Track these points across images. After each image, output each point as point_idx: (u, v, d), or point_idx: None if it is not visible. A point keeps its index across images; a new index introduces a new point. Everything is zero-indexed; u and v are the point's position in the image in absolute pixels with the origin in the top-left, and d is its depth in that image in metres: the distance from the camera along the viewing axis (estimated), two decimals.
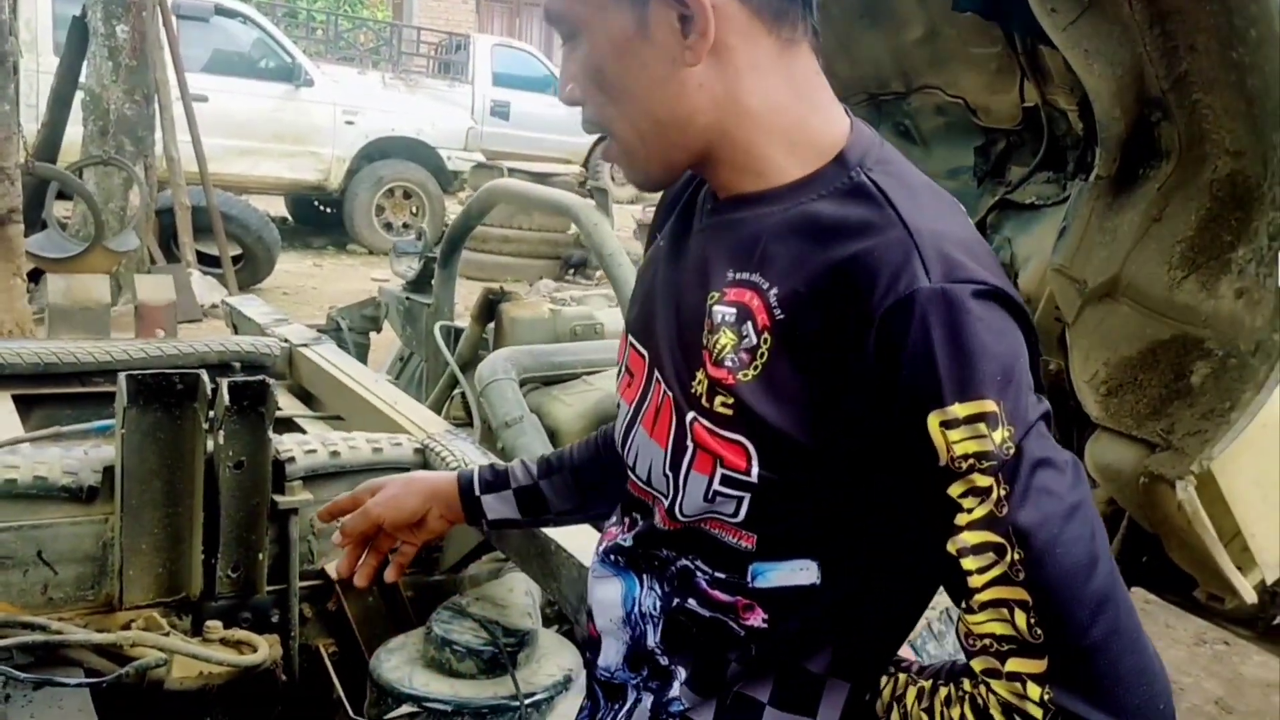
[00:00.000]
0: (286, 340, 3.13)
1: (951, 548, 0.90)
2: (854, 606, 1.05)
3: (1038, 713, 0.87)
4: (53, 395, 2.81)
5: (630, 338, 1.20)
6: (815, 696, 1.07)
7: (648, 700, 1.15)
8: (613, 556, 1.21)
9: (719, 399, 1.00)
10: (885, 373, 0.90)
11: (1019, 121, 2.47)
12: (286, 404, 2.93)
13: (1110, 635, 0.86)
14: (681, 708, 1.12)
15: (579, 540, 1.91)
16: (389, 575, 1.64)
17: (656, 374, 1.11)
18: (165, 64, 7.66)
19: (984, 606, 0.89)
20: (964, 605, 0.92)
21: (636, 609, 1.15)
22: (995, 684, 0.90)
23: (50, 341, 2.84)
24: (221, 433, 2.04)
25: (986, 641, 0.90)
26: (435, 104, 13.36)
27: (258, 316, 3.32)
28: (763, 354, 0.98)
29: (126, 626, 2.02)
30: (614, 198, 16.27)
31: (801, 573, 1.03)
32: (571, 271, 10.28)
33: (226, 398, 2.02)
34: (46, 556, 1.99)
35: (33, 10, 8.94)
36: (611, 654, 1.20)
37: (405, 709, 1.90)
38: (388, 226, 11.74)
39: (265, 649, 1.99)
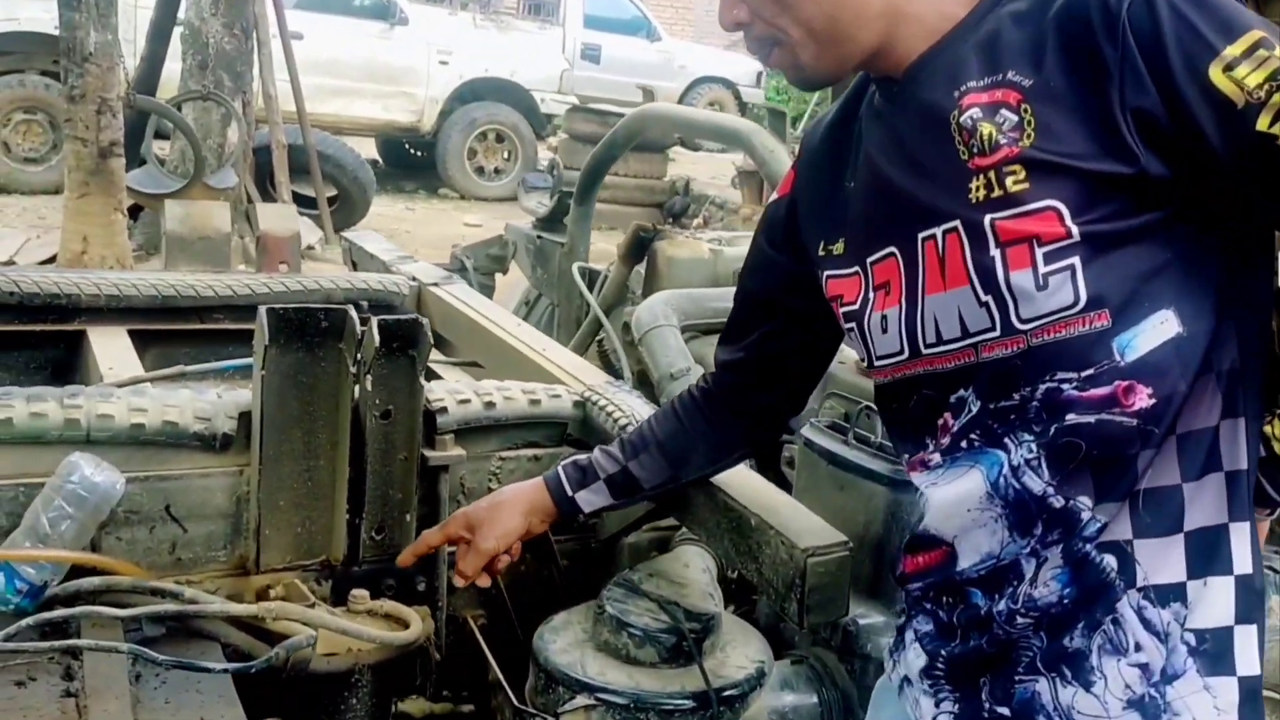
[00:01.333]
0: (414, 279, 2.89)
1: None
2: (1224, 342, 1.07)
3: None
4: (170, 331, 2.60)
5: (847, 269, 1.24)
6: (1215, 452, 1.09)
7: (1056, 552, 1.11)
8: (942, 457, 1.17)
9: (1009, 179, 1.04)
10: (1153, 59, 0.98)
11: None
12: None
13: None
14: (1098, 526, 1.09)
15: (786, 514, 1.63)
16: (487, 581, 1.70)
17: (920, 243, 1.13)
18: None
19: None
20: None
21: (1004, 476, 1.11)
22: None
23: (168, 273, 2.63)
24: (369, 378, 1.79)
25: None
26: (527, 46, 13.04)
27: (381, 253, 3.08)
28: (1029, 120, 1.03)
29: (263, 593, 1.79)
30: (705, 145, 15.86)
31: (1163, 325, 1.04)
32: (670, 220, 9.95)
33: (377, 338, 1.76)
34: (175, 512, 1.77)
35: None
36: (983, 543, 1.15)
37: (581, 700, 1.64)
38: (479, 171, 11.52)
39: (418, 624, 1.74)
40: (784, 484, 2.10)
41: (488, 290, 3.99)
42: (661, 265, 2.67)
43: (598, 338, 2.92)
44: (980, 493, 1.13)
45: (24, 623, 1.47)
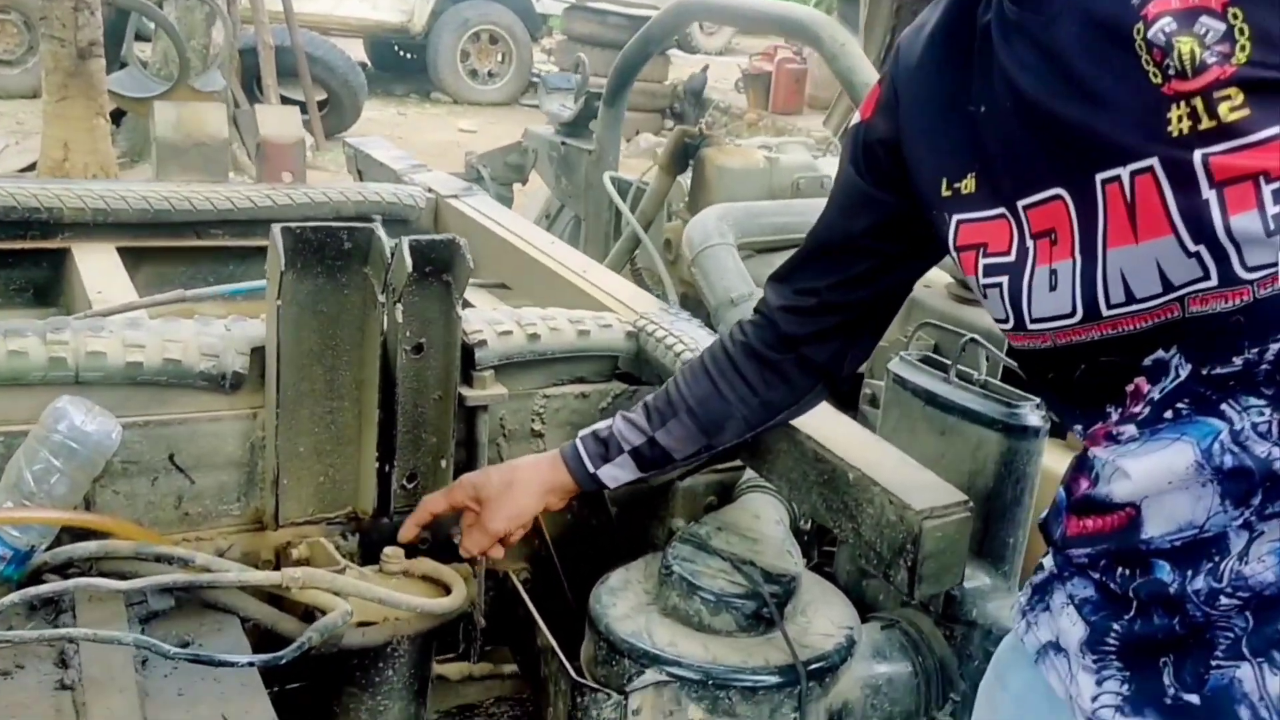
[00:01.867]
0: (430, 190, 2.62)
1: None
2: None
3: None
4: (164, 249, 2.34)
5: (987, 212, 1.05)
6: None
7: (1275, 525, 0.95)
8: (1138, 429, 0.99)
9: (1223, 106, 0.87)
10: None
11: None
12: None
13: None
14: None
15: (892, 468, 1.41)
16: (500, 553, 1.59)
17: (1100, 186, 0.94)
18: None
19: None
20: None
21: (1222, 443, 0.95)
22: None
23: (160, 184, 2.35)
24: (400, 307, 1.56)
25: None
26: None
27: (391, 161, 2.80)
28: (1240, 28, 0.87)
29: (283, 551, 1.58)
30: (704, 47, 15.33)
31: None
32: (672, 125, 9.59)
33: (408, 261, 1.52)
34: (181, 461, 1.54)
35: None
36: (1180, 511, 0.98)
37: (651, 676, 1.44)
38: (473, 74, 11.08)
39: (461, 588, 1.53)
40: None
41: (505, 202, 3.72)
42: (710, 176, 2.40)
43: (632, 256, 2.67)
44: (1187, 463, 0.96)
45: (9, 599, 1.25)
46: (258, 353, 1.55)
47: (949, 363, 1.64)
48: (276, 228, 1.47)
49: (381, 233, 1.53)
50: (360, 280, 1.56)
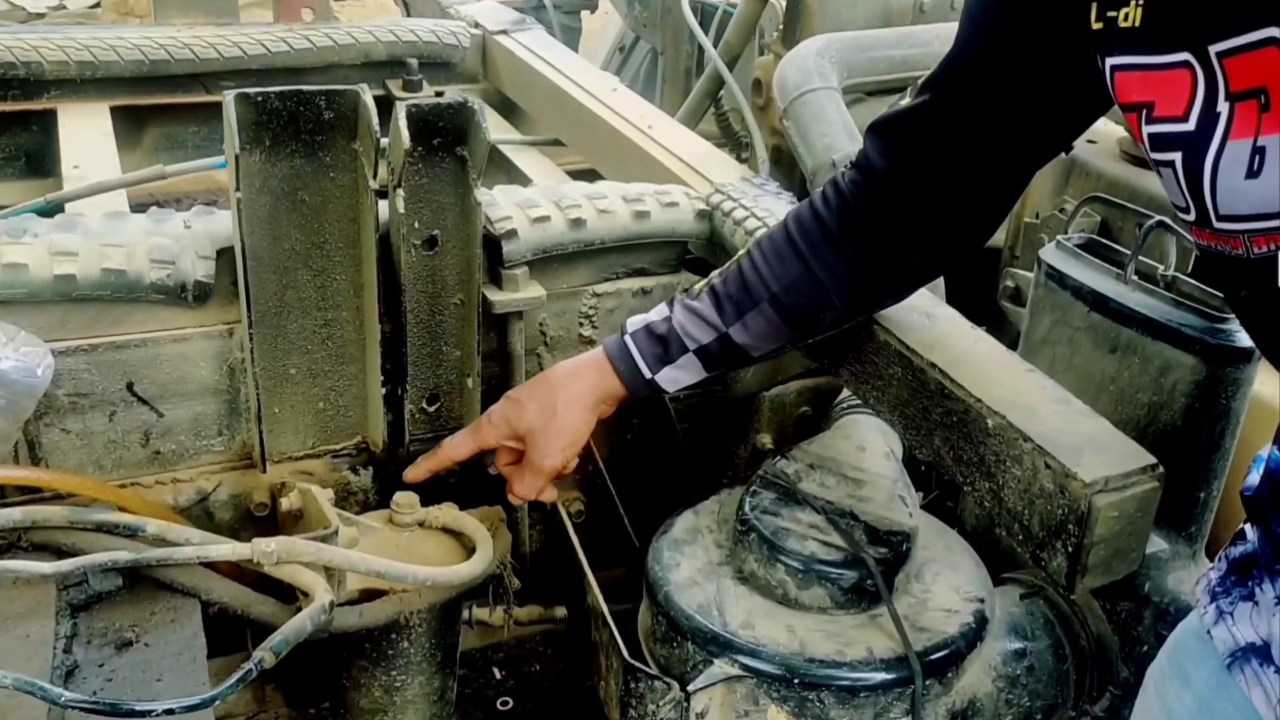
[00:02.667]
0: (477, 24, 2.22)
1: None
2: None
3: None
4: (166, 107, 2.01)
5: (1159, 58, 0.76)
6: None
7: None
8: None
9: None
10: None
11: None
12: None
13: None
14: None
15: (1051, 414, 1.04)
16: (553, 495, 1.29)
17: None
18: None
19: None
20: None
21: None
22: None
23: (157, 29, 2.01)
24: (401, 192, 1.21)
25: None
26: None
27: None
28: None
29: (280, 492, 1.29)
30: None
31: None
32: None
33: (406, 134, 1.16)
34: (142, 391, 1.25)
35: None
36: None
37: (720, 670, 1.13)
38: None
39: (487, 548, 1.23)
40: (997, 329, 1.49)
41: (573, 35, 3.29)
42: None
43: (717, 98, 2.26)
44: None
45: None
46: (227, 255, 1.23)
47: (1125, 251, 1.23)
48: (229, 96, 1.13)
49: (368, 96, 1.17)
50: (349, 159, 1.22)
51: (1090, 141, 1.62)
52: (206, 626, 1.10)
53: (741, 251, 1.17)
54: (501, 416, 1.25)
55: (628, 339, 1.21)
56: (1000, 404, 1.04)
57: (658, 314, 1.21)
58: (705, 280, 1.19)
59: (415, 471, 1.28)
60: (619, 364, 1.21)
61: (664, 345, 1.18)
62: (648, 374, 1.20)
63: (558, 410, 1.22)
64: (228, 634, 1.24)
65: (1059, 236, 1.29)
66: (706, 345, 1.17)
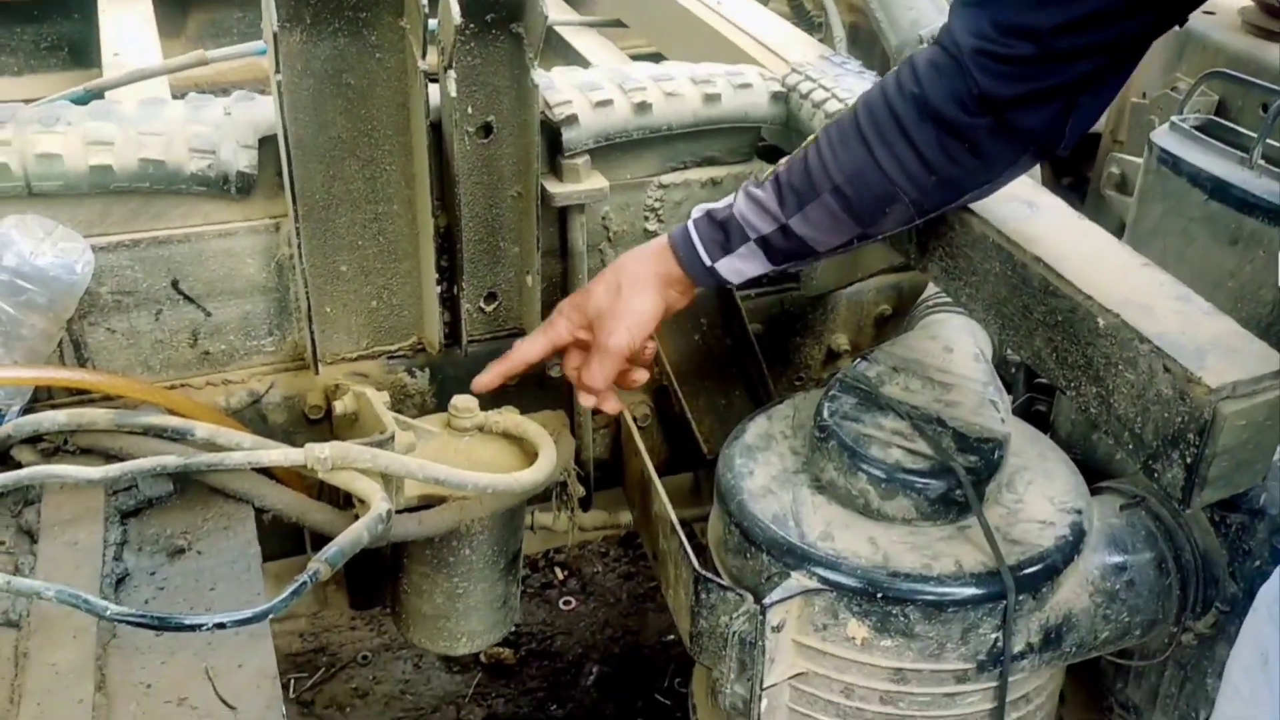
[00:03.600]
0: None
1: None
2: None
3: None
4: None
5: None
6: None
7: None
8: None
9: None
10: None
11: None
12: None
13: None
14: None
15: (1168, 314, 0.94)
16: (637, 382, 1.23)
17: None
18: None
19: None
20: None
21: None
22: None
23: None
24: (452, 74, 1.12)
25: None
26: None
27: None
28: None
29: (334, 394, 1.24)
30: None
31: None
32: None
33: (456, 9, 1.07)
34: (188, 288, 1.20)
35: None
36: None
37: (798, 584, 1.07)
38: None
39: (550, 454, 1.17)
40: (1102, 216, 1.38)
41: None
42: None
43: None
44: None
45: None
46: (269, 145, 1.15)
47: (1248, 133, 1.11)
48: None
49: None
50: (395, 39, 1.13)
51: (1207, 13, 1.47)
52: (265, 529, 1.07)
53: (810, 138, 1.07)
54: (572, 305, 1.18)
55: (690, 225, 1.13)
56: (1113, 301, 0.94)
57: (724, 201, 1.12)
58: (774, 167, 1.10)
59: (486, 378, 1.21)
60: (680, 250, 1.13)
61: (725, 232, 1.11)
62: (708, 261, 1.12)
63: (622, 291, 1.15)
64: (288, 537, 1.22)
65: (1173, 117, 1.17)
66: (767, 236, 1.09)
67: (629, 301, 1.14)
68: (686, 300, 1.18)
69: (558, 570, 2.39)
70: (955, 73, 0.94)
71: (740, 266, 1.12)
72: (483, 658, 2.13)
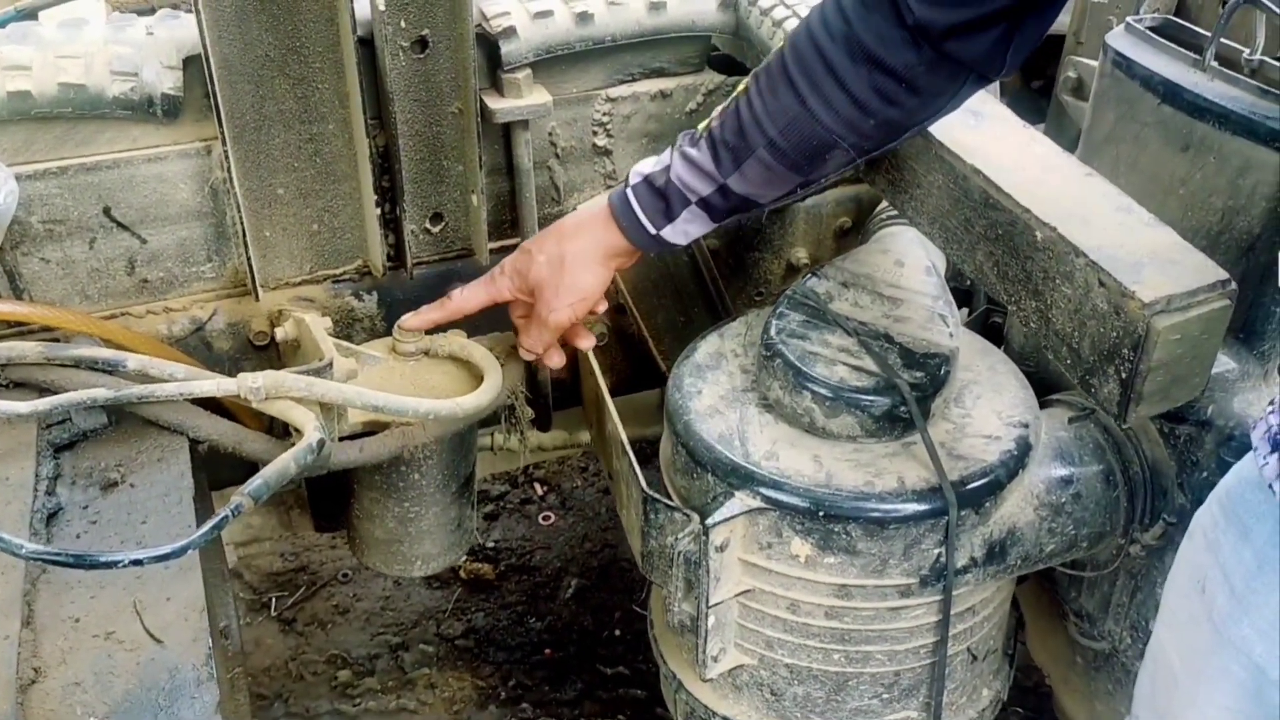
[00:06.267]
0: None
1: None
2: None
3: None
4: None
5: None
6: None
7: None
8: None
9: None
10: None
11: None
12: None
13: None
14: None
15: (1107, 225, 0.92)
16: (584, 345, 1.22)
17: None
18: None
19: None
20: None
21: None
22: None
23: None
24: None
25: None
26: None
27: None
28: None
29: (278, 320, 1.23)
30: None
31: None
32: None
33: None
34: (120, 215, 1.17)
35: None
36: None
37: (741, 504, 1.06)
38: None
39: (495, 377, 1.16)
40: (1058, 129, 1.34)
41: None
42: None
43: None
44: None
45: None
46: (194, 64, 1.12)
47: (1204, 34, 1.07)
48: None
49: None
50: None
51: None
52: (214, 459, 1.06)
53: (740, 85, 1.03)
54: (514, 268, 1.15)
55: (629, 192, 1.09)
56: (1051, 214, 0.92)
57: (660, 163, 1.08)
58: (708, 120, 1.05)
59: (415, 320, 1.19)
60: (622, 220, 1.10)
61: (665, 200, 1.07)
62: (652, 230, 1.09)
63: (565, 264, 1.12)
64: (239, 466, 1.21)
65: (1129, 18, 1.12)
66: (707, 198, 1.05)
67: (573, 277, 1.13)
68: (633, 262, 1.15)
69: (537, 485, 2.41)
70: (887, 5, 0.88)
71: (686, 229, 1.09)
72: (462, 573, 2.15)
